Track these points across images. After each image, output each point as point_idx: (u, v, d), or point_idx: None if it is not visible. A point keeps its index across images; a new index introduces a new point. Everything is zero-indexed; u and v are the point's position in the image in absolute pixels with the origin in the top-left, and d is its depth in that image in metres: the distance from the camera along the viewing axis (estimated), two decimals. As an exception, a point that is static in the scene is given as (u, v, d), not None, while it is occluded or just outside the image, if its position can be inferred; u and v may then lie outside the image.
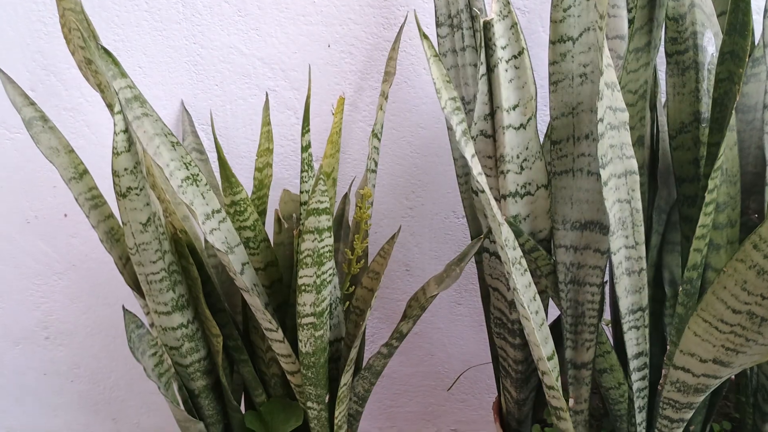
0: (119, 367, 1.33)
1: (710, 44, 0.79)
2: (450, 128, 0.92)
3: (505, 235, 0.69)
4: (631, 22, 0.77)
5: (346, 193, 1.06)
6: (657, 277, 0.89)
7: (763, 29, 0.82)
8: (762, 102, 0.87)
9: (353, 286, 1.00)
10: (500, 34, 0.67)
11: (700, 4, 0.79)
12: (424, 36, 0.63)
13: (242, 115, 1.12)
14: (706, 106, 0.80)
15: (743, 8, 0.71)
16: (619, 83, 0.82)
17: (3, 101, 1.07)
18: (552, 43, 0.77)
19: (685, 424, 0.77)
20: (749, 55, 0.85)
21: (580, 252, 0.81)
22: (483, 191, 0.67)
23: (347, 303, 1.01)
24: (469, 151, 0.66)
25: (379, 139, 1.00)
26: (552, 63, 0.77)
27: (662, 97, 0.93)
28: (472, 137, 0.73)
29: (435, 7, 0.92)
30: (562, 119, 0.78)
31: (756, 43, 0.87)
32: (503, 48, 0.67)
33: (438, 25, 0.93)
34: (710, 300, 0.60)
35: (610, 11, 0.76)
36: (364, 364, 1.02)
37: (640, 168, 0.86)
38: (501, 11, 0.66)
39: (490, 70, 0.68)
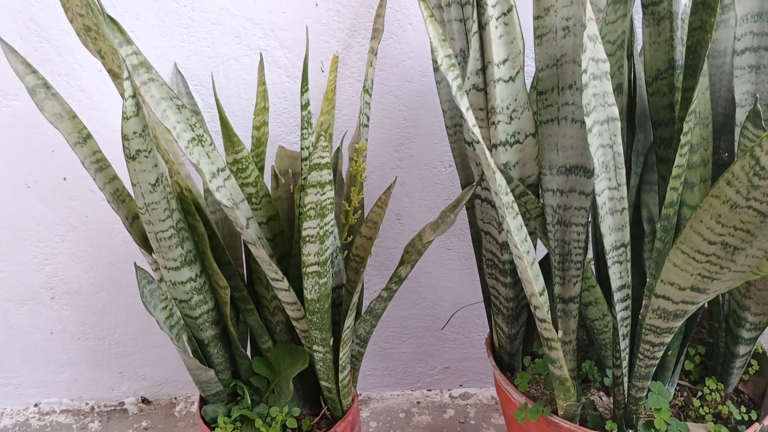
0: (123, 323, 1.38)
1: (683, -5, 0.84)
2: (438, 82, 0.96)
3: (499, 181, 0.74)
4: (609, -24, 0.81)
5: (339, 147, 1.10)
6: (636, 216, 0.96)
7: (732, -22, 0.87)
8: (731, 47, 0.93)
9: (351, 236, 1.05)
10: (491, -7, 0.71)
11: (673, -43, 0.83)
12: (421, -1, 0.68)
13: (234, 75, 1.15)
14: (680, 54, 0.85)
15: (714, -39, 0.76)
16: (600, 34, 0.87)
17: (-2, 69, 1.09)
18: (536, -1, 0.81)
19: (664, 348, 0.85)
20: (719, 2, 0.90)
21: (566, 195, 0.87)
22: (478, 142, 0.72)
23: (346, 252, 1.06)
24: (464, 104, 0.71)
25: (370, 95, 1.04)
26: (536, 18, 0.82)
27: (638, 46, 0.98)
28: (466, 91, 0.78)
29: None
30: (547, 71, 0.83)
31: (725, -9, 0.92)
32: (493, 6, 0.72)
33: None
34: (688, 233, 0.67)
35: (591, -33, 0.80)
36: (364, 308, 1.08)
37: (620, 113, 0.92)
38: (491, -29, 0.70)
39: (482, 27, 0.73)
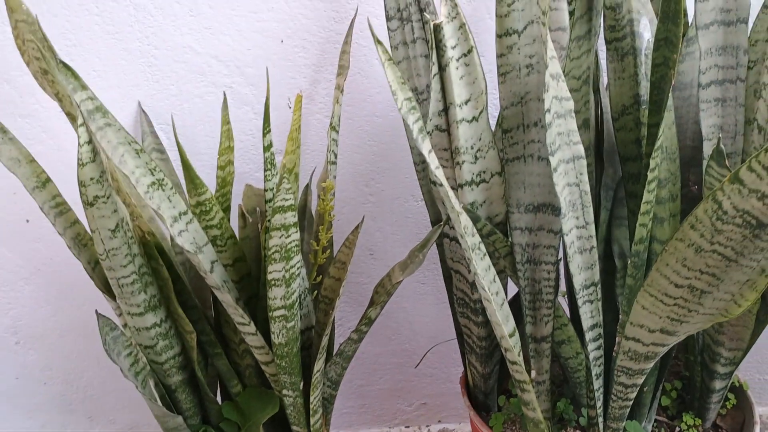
0: (92, 367, 1.35)
1: (646, 30, 0.84)
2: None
3: (464, 223, 0.73)
4: (571, 13, 0.81)
5: (308, 184, 1.08)
6: (607, 251, 0.94)
7: (695, 12, 0.87)
8: (696, 80, 0.93)
9: (320, 276, 1.03)
10: (450, 35, 0.70)
11: (635, -7, 0.83)
12: (378, 42, 0.66)
13: (200, 113, 1.13)
14: (645, 89, 0.85)
15: (675, -3, 0.75)
16: (564, 70, 0.86)
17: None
18: (498, 36, 0.80)
19: (638, 389, 0.83)
20: (684, 36, 0.90)
21: (535, 233, 0.86)
22: (441, 184, 0.70)
23: (315, 292, 1.04)
24: (425, 147, 0.70)
25: (337, 132, 1.03)
26: (500, 55, 0.81)
27: (605, 80, 0.98)
28: (428, 132, 0.77)
29: (384, 1, 0.94)
30: (512, 108, 0.82)
31: (690, 23, 0.92)
32: (453, 48, 0.71)
33: (388, 18, 0.95)
34: (655, 276, 0.65)
35: (552, 4, 0.80)
36: (335, 349, 1.05)
37: (587, 149, 0.91)
38: (450, 13, 0.69)
39: (442, 69, 0.72)
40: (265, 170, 0.88)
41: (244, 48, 1.09)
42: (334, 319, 0.97)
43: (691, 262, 0.61)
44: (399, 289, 1.31)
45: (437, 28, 0.69)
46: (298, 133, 0.95)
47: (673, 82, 0.78)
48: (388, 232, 1.25)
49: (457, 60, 0.72)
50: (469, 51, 0.72)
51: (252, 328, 0.94)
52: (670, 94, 0.85)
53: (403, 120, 0.68)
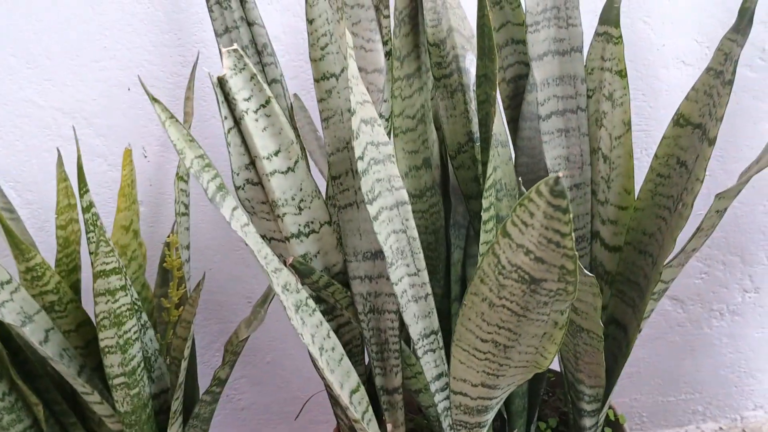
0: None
1: (472, 65, 0.81)
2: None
3: (276, 281, 0.69)
4: (388, 54, 0.78)
5: (169, 236, 1.03)
6: (464, 292, 0.91)
7: (527, 43, 0.84)
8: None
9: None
10: (240, 86, 0.66)
11: (458, 28, 0.81)
12: (154, 100, 0.62)
13: (50, 167, 1.08)
14: (476, 126, 0.82)
15: (487, 33, 0.73)
16: (397, 111, 0.83)
17: None
18: (316, 81, 0.77)
19: (487, 438, 0.79)
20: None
21: (375, 281, 0.82)
22: (247, 244, 0.66)
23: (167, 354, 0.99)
24: (227, 206, 0.66)
25: (186, 181, 0.98)
26: (320, 100, 0.77)
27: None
28: (239, 187, 0.73)
29: (218, 45, 0.90)
30: (338, 154, 0.78)
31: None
32: (247, 100, 0.67)
33: (225, 63, 0.91)
34: (460, 331, 0.62)
35: (366, 45, 0.76)
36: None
37: (431, 188, 0.88)
38: (235, 65, 0.65)
39: (238, 122, 0.68)
40: (87, 232, 0.83)
41: (90, 98, 1.05)
42: (183, 382, 0.92)
43: (488, 317, 0.58)
44: (283, 336, 1.27)
45: (221, 81, 0.65)
46: (131, 189, 0.90)
47: (494, 120, 0.75)
48: (262, 278, 1.21)
49: (255, 112, 0.68)
50: (267, 102, 0.68)
51: (97, 397, 0.88)
52: (506, 129, 0.83)
53: (197, 180, 0.64)
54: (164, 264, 0.96)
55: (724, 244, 1.28)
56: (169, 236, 0.94)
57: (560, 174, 0.41)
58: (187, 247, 0.99)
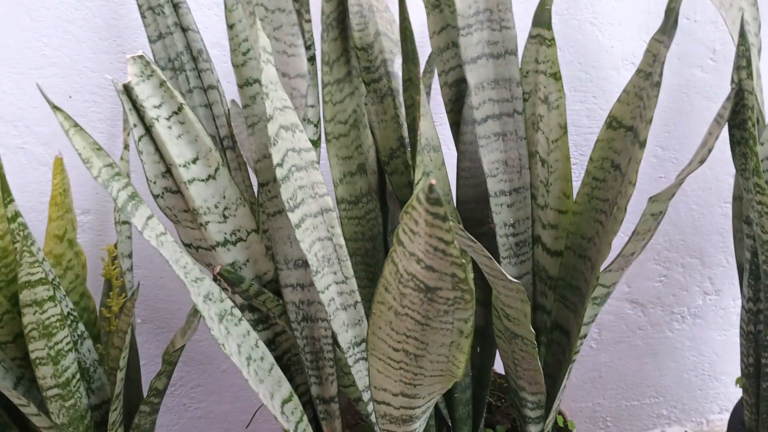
0: None
1: (401, 69, 0.80)
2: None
3: (195, 291, 0.67)
4: (311, 58, 0.77)
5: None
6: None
7: (461, 46, 0.83)
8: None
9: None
10: (149, 93, 0.65)
11: (385, 32, 0.79)
12: (56, 108, 0.61)
13: (-7, 177, 1.06)
14: (407, 131, 0.81)
15: (409, 37, 0.72)
16: (328, 116, 0.82)
17: None
18: (240, 87, 0.76)
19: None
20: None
21: (308, 289, 0.81)
22: (164, 255, 0.65)
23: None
24: (139, 215, 0.64)
25: (126, 190, 0.97)
26: (245, 106, 0.76)
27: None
28: (157, 195, 0.71)
29: (152, 52, 0.89)
30: (264, 161, 0.77)
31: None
32: (157, 107, 0.66)
33: (161, 69, 0.90)
34: (373, 340, 0.60)
35: (288, 50, 0.75)
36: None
37: (367, 195, 0.87)
38: (142, 72, 0.64)
39: (149, 130, 0.67)
40: (13, 242, 0.82)
41: (30, 106, 1.03)
42: (121, 393, 0.91)
43: (396, 326, 0.57)
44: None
45: (127, 89, 0.63)
46: (63, 197, 0.89)
47: (419, 126, 0.74)
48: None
49: (168, 119, 0.67)
50: (180, 109, 0.67)
51: (33, 409, 0.87)
52: (437, 134, 0.81)
53: (105, 189, 0.62)
54: (102, 274, 0.94)
55: (682, 246, 1.27)
56: (107, 246, 0.93)
57: (432, 181, 0.40)
58: (129, 256, 0.98)
